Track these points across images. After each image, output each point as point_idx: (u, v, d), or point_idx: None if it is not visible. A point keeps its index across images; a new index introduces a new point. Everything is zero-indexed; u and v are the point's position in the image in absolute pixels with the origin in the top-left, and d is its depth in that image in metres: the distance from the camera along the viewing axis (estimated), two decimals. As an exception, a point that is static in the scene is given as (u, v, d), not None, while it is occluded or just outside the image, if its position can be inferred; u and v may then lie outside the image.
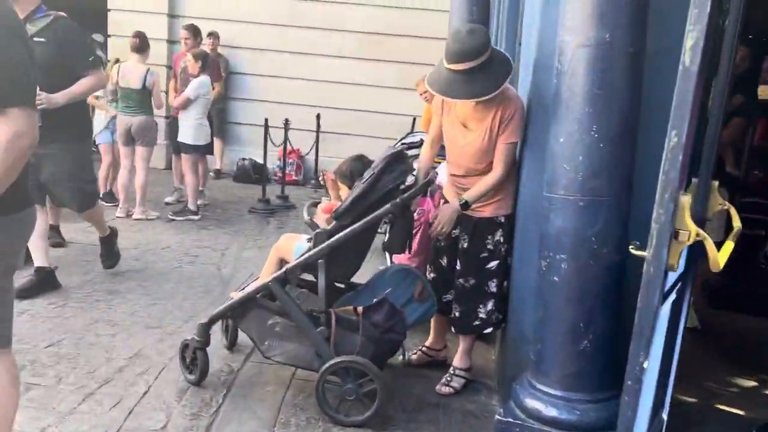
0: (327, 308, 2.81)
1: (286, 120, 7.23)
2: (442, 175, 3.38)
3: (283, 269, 2.84)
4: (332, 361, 2.74)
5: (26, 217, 2.00)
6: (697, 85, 1.69)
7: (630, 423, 1.94)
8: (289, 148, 7.56)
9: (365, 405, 2.77)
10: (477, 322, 3.11)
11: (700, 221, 2.18)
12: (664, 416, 2.52)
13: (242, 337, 3.31)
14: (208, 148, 7.32)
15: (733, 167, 4.53)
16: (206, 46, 7.81)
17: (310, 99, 8.85)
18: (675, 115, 1.71)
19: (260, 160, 7.42)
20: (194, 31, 7.20)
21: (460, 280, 3.10)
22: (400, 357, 3.31)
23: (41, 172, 3.80)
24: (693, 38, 1.66)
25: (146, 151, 6.14)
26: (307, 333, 2.81)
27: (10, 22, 1.81)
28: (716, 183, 2.34)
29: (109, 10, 9.05)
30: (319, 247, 2.77)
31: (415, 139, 5.70)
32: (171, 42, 8.93)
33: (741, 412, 3.18)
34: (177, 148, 6.58)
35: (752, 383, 3.51)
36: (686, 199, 1.82)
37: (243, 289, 3.15)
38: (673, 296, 2.14)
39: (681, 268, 2.00)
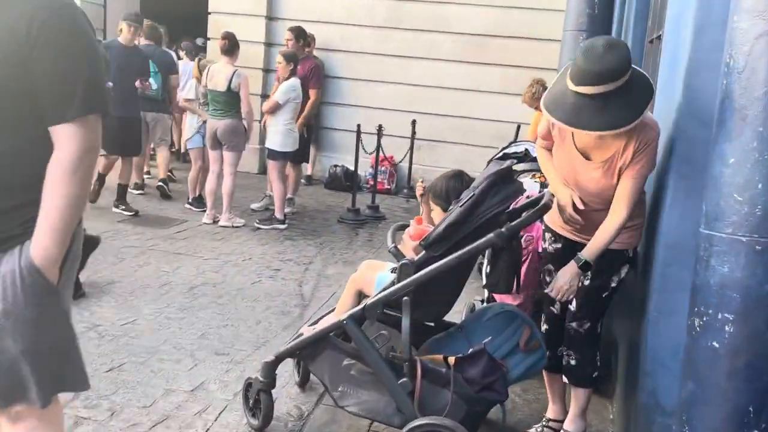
0: (411, 356, 2.32)
1: (380, 126, 6.83)
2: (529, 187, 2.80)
3: (361, 305, 2.39)
4: (416, 423, 2.25)
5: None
6: None
7: None
8: (381, 155, 7.15)
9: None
10: (597, 373, 2.55)
11: None
12: None
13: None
14: (303, 155, 7.06)
15: None
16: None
17: (406, 104, 8.45)
18: None
19: (352, 167, 7.06)
20: (298, 33, 6.96)
21: (573, 324, 2.53)
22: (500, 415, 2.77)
23: None
24: None
25: (233, 156, 5.90)
26: (387, 384, 2.33)
27: (88, 21, 1.54)
28: None
29: (210, 13, 9.05)
30: (404, 282, 2.29)
31: (519, 149, 5.10)
32: (268, 45, 8.80)
33: None
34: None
35: None
36: None
37: (315, 323, 2.72)
38: None
39: None
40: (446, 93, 8.35)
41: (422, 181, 3.16)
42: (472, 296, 3.66)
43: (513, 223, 2.19)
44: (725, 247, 1.76)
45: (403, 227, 2.69)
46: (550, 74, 7.85)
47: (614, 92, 2.14)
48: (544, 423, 2.77)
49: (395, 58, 8.50)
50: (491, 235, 2.19)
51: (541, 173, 3.02)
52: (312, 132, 7.28)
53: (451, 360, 2.36)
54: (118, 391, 2.86)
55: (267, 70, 8.82)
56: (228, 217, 6.01)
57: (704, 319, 1.81)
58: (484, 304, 2.89)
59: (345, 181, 8.17)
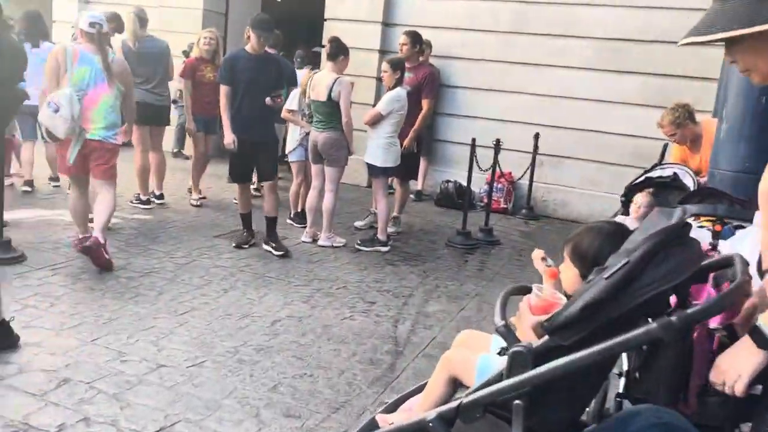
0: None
1: (497, 141, 6.11)
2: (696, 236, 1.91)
3: (456, 403, 1.73)
4: None
5: None
6: None
7: None
8: (498, 171, 6.42)
9: None
10: None
11: None
12: None
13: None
14: (412, 172, 6.50)
15: None
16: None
17: (528, 116, 7.66)
18: None
19: (465, 183, 6.38)
20: (414, 37, 6.43)
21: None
22: None
23: None
24: None
25: (333, 172, 5.42)
26: None
27: None
28: None
29: (326, 19, 8.74)
30: (517, 379, 1.61)
31: (666, 173, 4.21)
32: (382, 52, 8.32)
33: None
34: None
35: None
36: None
37: (393, 408, 2.09)
38: None
39: None
40: (576, 104, 7.46)
41: (542, 255, 2.17)
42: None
43: (691, 311, 1.43)
44: None
45: (522, 291, 1.95)
46: (701, 84, 6.78)
47: None
48: None
49: (519, 66, 7.73)
50: (654, 324, 1.44)
51: (713, 217, 2.23)
52: (422, 145, 6.69)
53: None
54: (163, 460, 2.41)
55: (381, 79, 8.35)
56: (327, 237, 5.55)
57: None
58: (622, 400, 2.07)
59: (457, 198, 7.50)
